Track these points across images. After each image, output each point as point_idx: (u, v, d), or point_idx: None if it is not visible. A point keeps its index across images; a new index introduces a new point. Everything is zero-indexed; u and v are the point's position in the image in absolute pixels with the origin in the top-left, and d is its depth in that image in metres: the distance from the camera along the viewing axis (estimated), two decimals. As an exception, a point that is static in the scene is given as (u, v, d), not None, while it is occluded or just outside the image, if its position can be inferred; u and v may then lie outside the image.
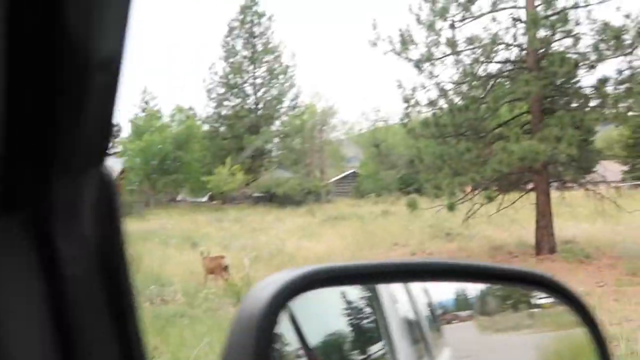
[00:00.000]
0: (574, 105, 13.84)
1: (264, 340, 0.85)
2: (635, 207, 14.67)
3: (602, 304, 8.86)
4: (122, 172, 55.54)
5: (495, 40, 14.42)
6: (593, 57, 13.25)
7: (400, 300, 1.38)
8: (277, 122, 48.66)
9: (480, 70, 14.85)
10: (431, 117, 15.55)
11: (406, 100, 15.83)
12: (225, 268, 14.01)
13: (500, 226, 18.88)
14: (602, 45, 13.24)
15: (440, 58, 15.05)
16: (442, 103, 15.50)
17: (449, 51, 15.01)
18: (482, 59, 14.88)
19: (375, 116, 53.31)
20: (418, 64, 14.51)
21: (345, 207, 34.34)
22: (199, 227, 27.19)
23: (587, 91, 13.34)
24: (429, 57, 14.96)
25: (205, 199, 59.57)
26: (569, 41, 14.16)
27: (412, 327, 1.40)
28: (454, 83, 14.89)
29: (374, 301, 1.27)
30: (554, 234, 14.15)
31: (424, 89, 15.30)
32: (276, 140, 47.33)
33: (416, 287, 1.38)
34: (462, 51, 15.04)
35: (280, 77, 47.26)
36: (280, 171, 42.02)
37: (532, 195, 15.39)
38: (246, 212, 33.56)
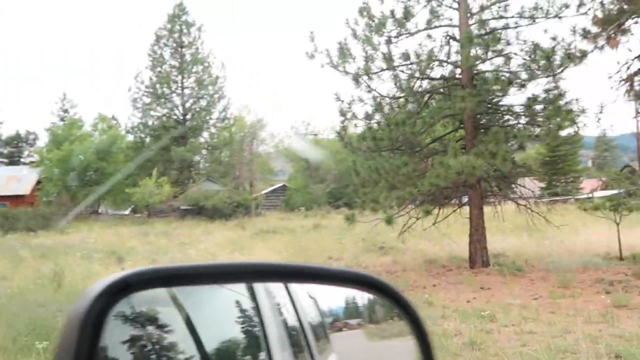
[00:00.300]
0: (507, 122, 14.25)
1: (87, 338, 0.87)
2: (560, 221, 15.20)
3: (539, 316, 9.02)
4: (39, 182, 52.85)
5: (430, 56, 14.64)
6: (524, 76, 13.70)
7: (285, 306, 1.49)
8: (206, 134, 47.79)
9: (416, 86, 15.02)
10: (367, 131, 15.55)
11: (342, 113, 15.78)
12: None
13: (433, 240, 19.16)
14: (533, 65, 13.72)
15: (377, 72, 15.12)
16: (379, 117, 15.53)
17: (385, 66, 15.11)
18: (417, 74, 15.06)
19: (305, 130, 53.44)
20: (356, 78, 14.49)
21: (276, 220, 34.00)
22: (123, 240, 26.05)
23: (518, 109, 13.76)
24: (366, 71, 14.99)
25: (127, 211, 57.47)
26: (500, 60, 14.59)
27: (296, 335, 1.50)
28: (390, 98, 14.98)
29: (254, 308, 1.36)
30: (487, 248, 14.42)
31: (361, 102, 15.31)
32: (204, 152, 46.36)
33: (304, 293, 1.52)
34: (398, 66, 15.18)
35: (210, 87, 46.47)
36: (209, 184, 41.10)
37: (465, 210, 15.67)
38: (173, 225, 32.56)
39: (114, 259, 19.41)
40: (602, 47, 12.96)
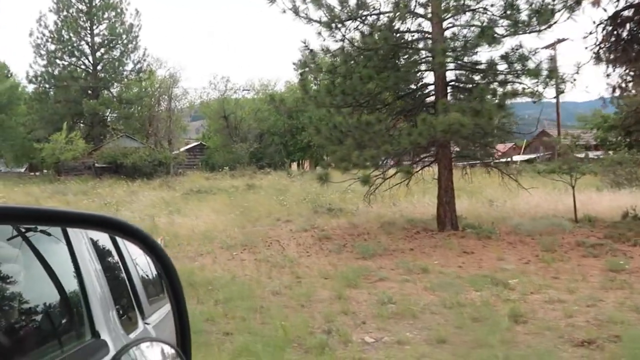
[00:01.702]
0: (478, 81, 13.71)
1: None
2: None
3: (551, 283, 8.60)
4: None
5: (404, 4, 13.69)
6: (501, 31, 13.14)
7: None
8: (118, 87, 44.43)
9: (387, 38, 14.06)
10: (331, 85, 14.49)
11: (305, 64, 14.61)
12: None
13: (380, 203, 18.66)
14: (505, 22, 13.20)
15: (346, 20, 14.03)
16: (344, 71, 14.48)
17: (353, 14, 14.05)
18: (387, 25, 14.12)
19: (224, 86, 51.27)
20: (329, 24, 13.32)
21: (202, 180, 32.26)
22: (39, 201, 23.58)
23: (499, 67, 13.18)
24: (333, 19, 13.86)
25: (23, 169, 52.98)
26: (472, 14, 13.94)
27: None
28: (361, 49, 13.94)
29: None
30: (456, 210, 13.98)
31: (328, 53, 14.21)
32: (116, 106, 43.09)
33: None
34: (366, 16, 14.17)
35: (123, 37, 43.02)
36: (126, 140, 38.28)
37: (428, 171, 15.18)
38: (90, 184, 30.06)
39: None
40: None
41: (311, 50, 13.69)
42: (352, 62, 13.58)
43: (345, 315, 7.08)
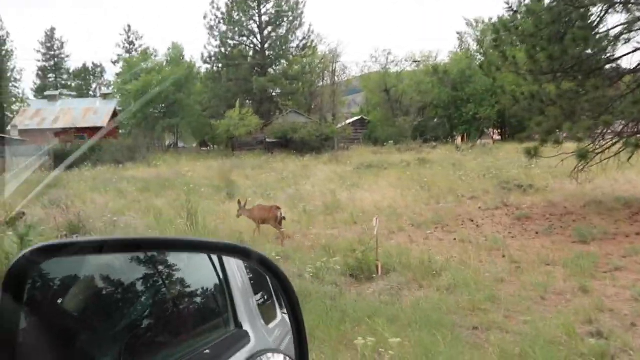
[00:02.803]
0: None
1: (10, 297, 1.00)
2: None
3: None
4: (115, 114, 52.46)
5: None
6: None
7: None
8: (284, 63, 45.46)
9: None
10: (531, 50, 13.04)
11: (497, 29, 13.34)
12: (282, 220, 11.96)
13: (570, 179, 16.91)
14: None
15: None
16: (545, 33, 12.95)
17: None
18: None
19: (385, 59, 50.42)
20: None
21: (369, 154, 31.95)
22: (219, 174, 24.75)
23: None
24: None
25: (194, 145, 56.72)
26: None
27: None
28: (572, 5, 12.31)
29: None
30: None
31: (529, 14, 12.80)
32: (283, 82, 44.17)
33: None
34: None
35: (289, 14, 43.85)
36: (294, 115, 39.13)
37: None
38: (263, 158, 31.11)
39: (224, 195, 18.02)
40: None
41: (515, 12, 12.40)
42: (566, 19, 12.05)
43: (603, 313, 6.08)
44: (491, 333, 5.42)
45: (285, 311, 1.75)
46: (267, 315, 1.94)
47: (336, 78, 50.16)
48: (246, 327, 1.75)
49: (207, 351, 1.51)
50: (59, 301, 1.24)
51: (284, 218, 12.30)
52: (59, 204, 15.70)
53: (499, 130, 50.46)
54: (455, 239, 11.45)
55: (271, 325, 1.93)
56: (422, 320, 5.38)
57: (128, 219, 12.64)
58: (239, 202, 12.56)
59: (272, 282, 1.67)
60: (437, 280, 7.64)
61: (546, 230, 11.41)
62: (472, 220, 13.43)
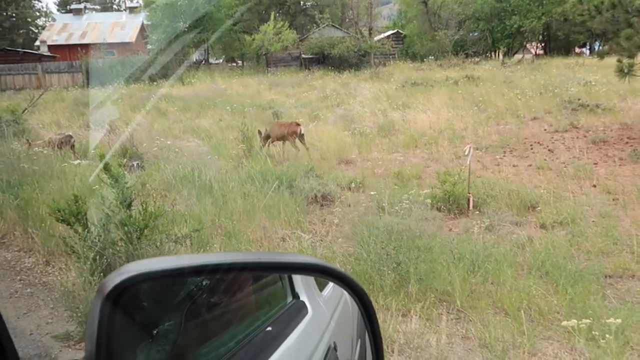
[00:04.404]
0: None
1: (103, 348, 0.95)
2: None
3: None
4: (142, 29, 51.09)
5: None
6: None
7: None
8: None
9: None
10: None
11: None
12: (302, 136, 11.61)
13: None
14: None
15: None
16: None
17: None
18: None
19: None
20: None
21: (410, 71, 30.59)
22: (259, 92, 23.92)
23: None
24: None
25: (220, 60, 55.25)
26: None
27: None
28: None
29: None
30: None
31: None
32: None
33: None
34: None
35: None
36: (330, 30, 37.31)
37: None
38: (300, 75, 29.97)
39: (269, 114, 17.26)
40: None
41: None
42: None
43: None
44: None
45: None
46: (319, 282, 1.87)
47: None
48: (303, 297, 1.73)
49: (269, 328, 1.49)
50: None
51: (303, 135, 11.70)
52: (103, 124, 15.21)
53: (542, 44, 48.09)
54: (530, 165, 10.66)
55: (325, 293, 1.89)
56: (558, 269, 4.71)
57: (183, 143, 12.03)
58: (259, 132, 11.78)
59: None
60: (536, 215, 6.94)
61: (631, 155, 10.51)
62: (541, 144, 12.55)
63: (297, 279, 1.74)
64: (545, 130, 14.06)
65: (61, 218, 3.62)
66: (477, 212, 7.20)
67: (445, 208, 7.22)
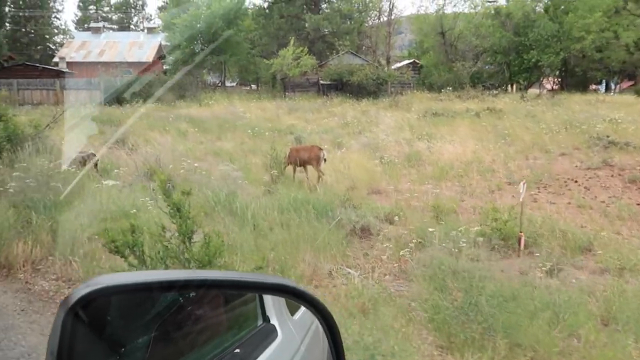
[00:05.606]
0: None
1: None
2: None
3: None
4: (159, 50, 51.36)
5: None
6: None
7: None
8: (337, 1, 43.22)
9: None
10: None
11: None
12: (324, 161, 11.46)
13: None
14: None
15: None
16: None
17: None
18: None
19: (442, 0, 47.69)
20: None
21: (428, 101, 30.33)
22: (278, 117, 23.70)
23: None
24: None
25: (234, 84, 55.36)
26: None
27: None
28: None
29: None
30: None
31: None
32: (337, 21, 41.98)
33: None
34: None
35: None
36: (349, 57, 37.24)
37: None
38: (319, 101, 29.76)
39: (292, 139, 16.99)
40: None
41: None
42: None
43: None
44: None
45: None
46: (290, 305, 1.84)
47: (388, 17, 47.71)
48: (273, 320, 1.72)
49: (237, 350, 1.47)
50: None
51: (325, 160, 11.47)
52: (124, 143, 14.98)
53: (559, 80, 47.91)
54: (569, 203, 10.29)
55: (296, 317, 1.86)
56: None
57: (210, 166, 11.74)
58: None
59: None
60: (594, 258, 6.55)
61: (675, 197, 10.14)
62: (576, 181, 12.19)
63: (269, 301, 1.73)
64: (576, 166, 13.72)
65: (115, 249, 3.29)
66: (527, 252, 6.81)
67: (497, 247, 6.84)
